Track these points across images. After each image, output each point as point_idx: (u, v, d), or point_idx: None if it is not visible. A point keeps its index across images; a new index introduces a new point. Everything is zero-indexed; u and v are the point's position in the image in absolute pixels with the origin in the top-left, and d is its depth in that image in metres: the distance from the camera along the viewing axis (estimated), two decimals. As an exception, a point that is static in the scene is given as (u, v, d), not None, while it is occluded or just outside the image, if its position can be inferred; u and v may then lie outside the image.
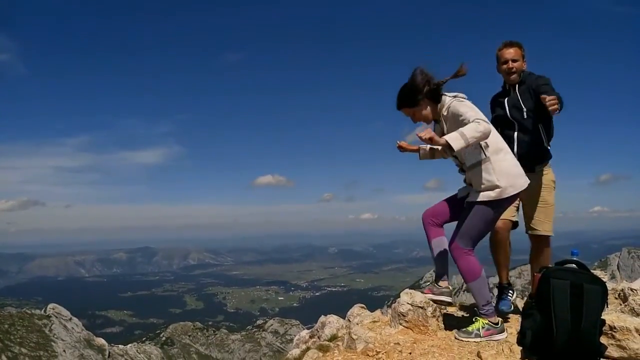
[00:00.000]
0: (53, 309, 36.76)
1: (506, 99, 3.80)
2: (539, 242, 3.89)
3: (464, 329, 3.35)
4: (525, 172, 3.55)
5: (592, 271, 2.84)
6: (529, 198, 3.80)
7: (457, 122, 3.14)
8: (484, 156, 3.21)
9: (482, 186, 3.22)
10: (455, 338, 3.32)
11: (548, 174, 3.85)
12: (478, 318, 3.34)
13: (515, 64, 3.71)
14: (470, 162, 3.27)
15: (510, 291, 4.02)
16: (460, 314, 4.19)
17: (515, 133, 3.75)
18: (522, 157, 3.61)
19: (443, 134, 3.15)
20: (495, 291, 4.11)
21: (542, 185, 3.81)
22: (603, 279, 2.75)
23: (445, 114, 3.30)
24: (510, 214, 3.73)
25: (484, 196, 3.22)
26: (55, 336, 34.05)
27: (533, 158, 3.75)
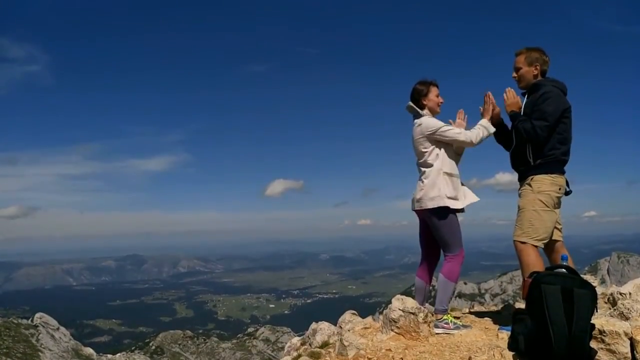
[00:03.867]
0: (40, 318, 36.27)
1: (525, 101, 3.76)
2: (515, 249, 3.54)
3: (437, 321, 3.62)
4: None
5: (582, 276, 2.86)
6: None
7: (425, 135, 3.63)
8: (439, 165, 3.63)
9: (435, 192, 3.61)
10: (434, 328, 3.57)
11: (533, 182, 3.56)
12: (447, 314, 3.66)
13: (518, 73, 3.68)
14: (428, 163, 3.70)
15: None
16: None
17: (514, 131, 3.75)
18: (511, 156, 3.81)
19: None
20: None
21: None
22: (593, 284, 2.77)
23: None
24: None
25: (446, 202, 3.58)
26: (43, 346, 33.52)
27: (515, 164, 3.78)
